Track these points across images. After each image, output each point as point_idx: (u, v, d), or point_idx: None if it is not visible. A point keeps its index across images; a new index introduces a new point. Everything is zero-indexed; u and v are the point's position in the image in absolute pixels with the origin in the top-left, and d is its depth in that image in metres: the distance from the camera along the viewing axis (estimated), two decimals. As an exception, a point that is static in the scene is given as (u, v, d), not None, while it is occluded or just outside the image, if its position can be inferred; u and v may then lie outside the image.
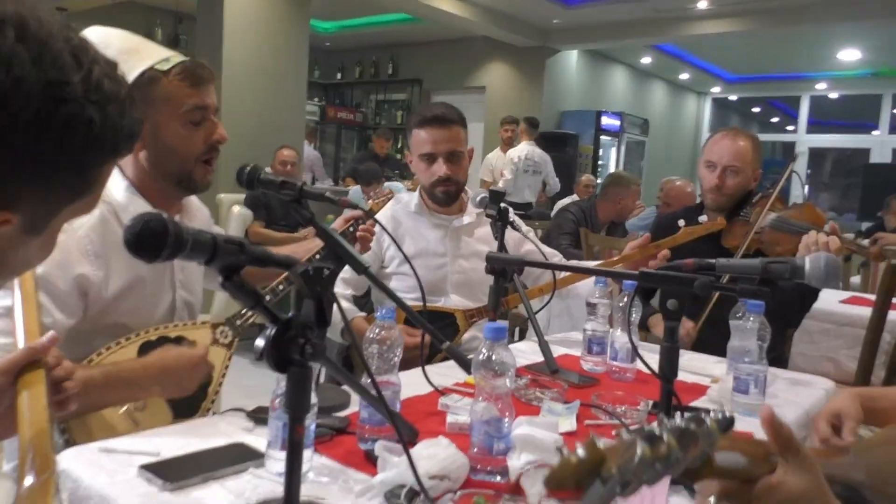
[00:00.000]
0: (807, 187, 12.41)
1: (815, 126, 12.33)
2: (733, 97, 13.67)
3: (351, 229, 1.80)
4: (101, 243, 1.36)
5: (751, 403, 1.52)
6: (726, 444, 0.64)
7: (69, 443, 1.26)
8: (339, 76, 10.84)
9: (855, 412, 1.29)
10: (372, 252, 2.14)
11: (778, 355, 2.33)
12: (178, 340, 1.46)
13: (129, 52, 1.41)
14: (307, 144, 7.55)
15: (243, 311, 1.55)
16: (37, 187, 0.64)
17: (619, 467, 0.46)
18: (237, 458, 1.13)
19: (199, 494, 1.02)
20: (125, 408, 1.33)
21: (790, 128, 13.09)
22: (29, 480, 0.80)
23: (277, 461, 1.08)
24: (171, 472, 1.06)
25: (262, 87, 6.05)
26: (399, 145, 9.24)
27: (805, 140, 12.23)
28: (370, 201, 1.97)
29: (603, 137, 9.57)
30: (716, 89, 13.06)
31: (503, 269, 1.69)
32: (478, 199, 1.89)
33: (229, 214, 4.21)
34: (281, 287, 1.55)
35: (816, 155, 12.91)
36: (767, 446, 0.68)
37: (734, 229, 2.29)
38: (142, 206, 1.44)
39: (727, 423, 0.54)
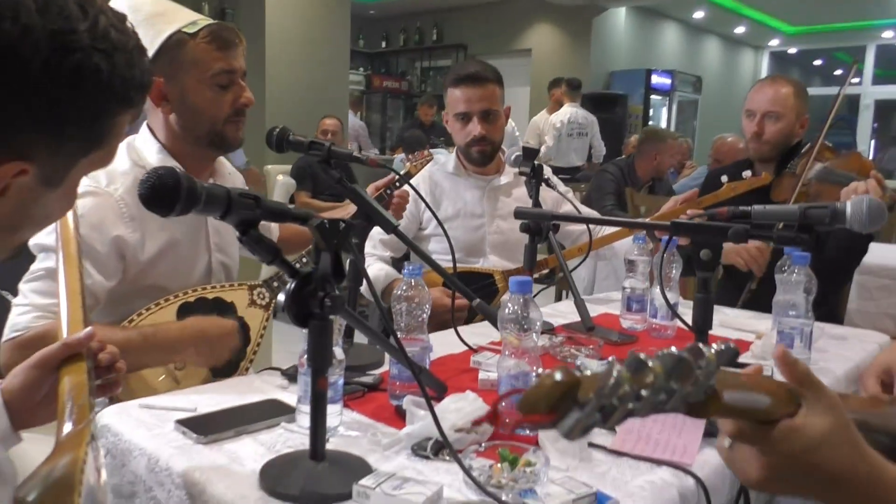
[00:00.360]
0: (872, 142, 11.85)
1: (882, 78, 11.72)
2: (793, 50, 13.09)
3: (386, 194, 1.80)
4: (136, 206, 1.38)
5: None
6: (747, 383, 0.62)
7: (112, 400, 1.30)
8: (383, 44, 10.79)
9: None
10: (409, 213, 2.14)
11: (830, 310, 2.25)
12: (217, 301, 1.49)
13: (158, 15, 1.42)
14: (352, 114, 7.56)
15: (279, 274, 1.57)
16: (50, 137, 0.65)
17: (597, 391, 0.44)
18: (269, 413, 1.15)
19: (231, 447, 1.05)
20: (165, 369, 1.37)
21: (855, 80, 12.47)
22: (67, 427, 0.83)
23: (307, 415, 1.09)
24: (205, 426, 1.09)
25: (305, 58, 6.07)
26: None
27: (871, 92, 11.64)
28: (408, 164, 1.97)
29: (653, 97, 9.31)
30: (774, 42, 12.53)
31: (538, 228, 1.67)
32: (512, 157, 1.86)
33: (275, 185, 4.27)
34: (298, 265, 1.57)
35: (883, 108, 12.28)
36: (791, 386, 0.66)
37: (783, 182, 2.20)
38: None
39: (728, 355, 0.51)
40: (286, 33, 5.95)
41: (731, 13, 10.34)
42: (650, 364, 0.46)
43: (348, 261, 1.45)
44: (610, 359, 0.47)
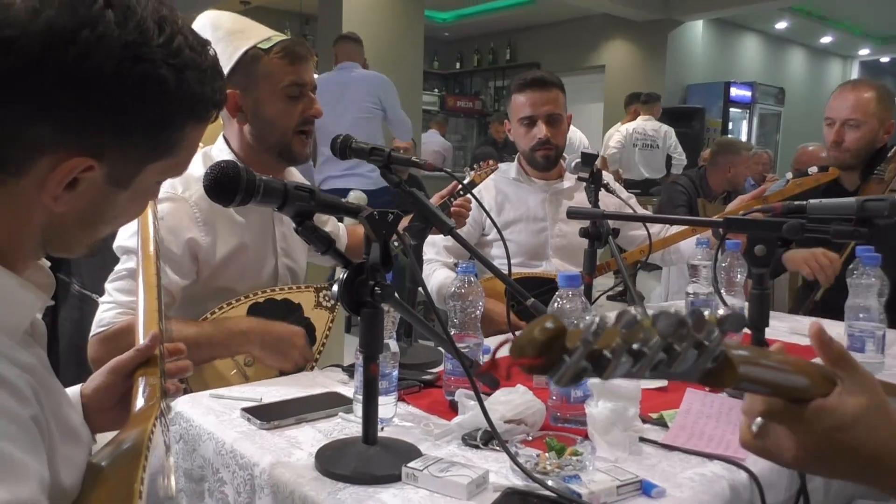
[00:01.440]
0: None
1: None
2: (885, 59, 12.49)
3: (449, 202, 1.85)
4: (209, 211, 1.48)
5: (867, 362, 1.42)
6: (778, 361, 0.62)
7: (186, 391, 1.39)
8: (458, 65, 10.95)
9: None
10: (472, 220, 2.18)
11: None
12: (285, 302, 1.57)
13: (236, 32, 1.53)
14: (438, 134, 7.70)
15: None
16: (118, 140, 0.71)
17: (581, 338, 0.46)
18: (329, 403, 1.20)
19: (291, 433, 1.10)
20: (235, 361, 1.45)
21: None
22: (139, 404, 0.89)
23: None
24: (268, 414, 1.15)
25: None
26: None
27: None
28: (472, 173, 2.01)
29: (732, 110, 9.06)
30: (864, 51, 12.00)
31: (597, 232, 1.68)
32: (572, 164, 1.88)
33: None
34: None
35: None
36: (825, 369, 0.65)
37: (869, 188, 2.13)
38: None
39: (734, 320, 0.51)
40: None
41: (816, 22, 9.99)
42: (638, 317, 0.47)
43: (408, 265, 1.50)
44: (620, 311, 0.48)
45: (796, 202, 1.12)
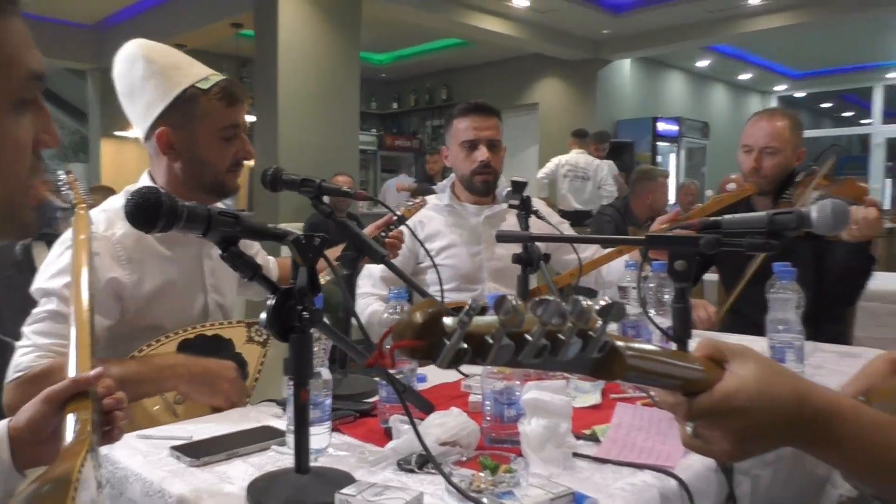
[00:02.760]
0: (887, 181, 11.81)
1: (891, 116, 11.76)
2: (800, 94, 13.21)
3: (382, 235, 1.86)
4: (134, 249, 1.45)
5: (789, 373, 1.48)
6: (667, 355, 0.63)
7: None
8: (395, 105, 11.08)
9: (882, 372, 1.24)
10: (407, 250, 2.19)
11: (838, 334, 2.24)
12: (215, 338, 1.53)
13: (173, 67, 1.52)
14: (406, 176, 7.75)
15: None
16: None
17: (459, 320, 0.47)
18: (261, 437, 1.18)
19: (222, 469, 1.07)
20: (163, 399, 1.41)
21: (865, 121, 12.52)
22: (69, 438, 0.85)
23: (296, 436, 1.12)
24: (198, 450, 1.12)
25: (317, 120, 6.26)
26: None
27: (881, 131, 11.67)
28: (402, 208, 2.03)
29: (660, 143, 9.41)
30: (781, 87, 12.67)
31: (529, 258, 1.71)
32: (504, 192, 1.92)
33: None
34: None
35: (895, 145, 12.29)
36: (706, 359, 0.66)
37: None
38: None
39: (615, 309, 0.53)
40: (298, 96, 6.16)
41: (736, 60, 10.52)
42: (515, 304, 0.49)
43: (340, 293, 1.50)
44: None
45: (712, 218, 1.17)
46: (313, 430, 1.02)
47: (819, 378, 1.52)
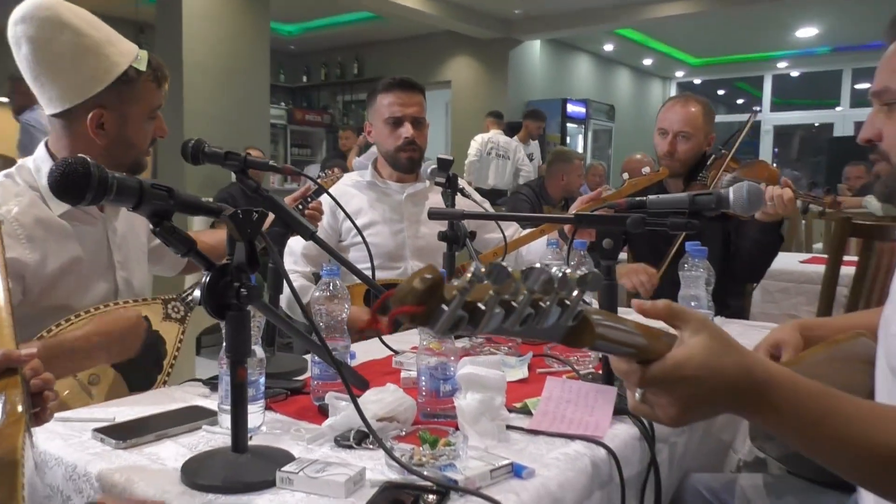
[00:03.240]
0: (774, 165, 12.62)
1: (778, 105, 12.52)
2: (697, 80, 13.82)
3: (300, 207, 1.82)
4: (32, 227, 1.37)
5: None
6: (617, 321, 0.66)
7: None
8: (304, 79, 10.81)
9: (794, 341, 1.34)
10: (328, 226, 2.17)
11: (738, 310, 2.39)
12: None
13: (107, 43, 1.44)
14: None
15: (193, 287, 1.58)
16: None
17: (459, 288, 0.48)
18: (191, 417, 1.15)
19: (151, 450, 1.04)
20: (77, 381, 1.35)
21: (756, 108, 13.27)
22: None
23: (229, 415, 1.10)
24: (124, 432, 1.08)
25: (224, 92, 6.04)
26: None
27: (770, 119, 12.40)
28: (320, 180, 2.00)
29: (570, 125, 9.64)
30: (679, 73, 13.20)
31: (455, 236, 1.73)
32: (428, 170, 1.92)
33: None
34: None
35: (783, 134, 13.10)
36: (656, 329, 0.70)
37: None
38: None
39: (593, 279, 0.56)
40: (204, 68, 5.91)
41: (639, 46, 10.87)
42: (510, 270, 0.50)
43: (269, 267, 1.47)
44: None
45: (638, 198, 1.22)
46: (248, 408, 1.00)
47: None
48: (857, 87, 11.47)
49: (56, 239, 1.42)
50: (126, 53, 1.44)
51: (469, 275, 0.48)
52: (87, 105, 1.40)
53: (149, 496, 0.90)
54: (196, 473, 0.92)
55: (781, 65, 11.98)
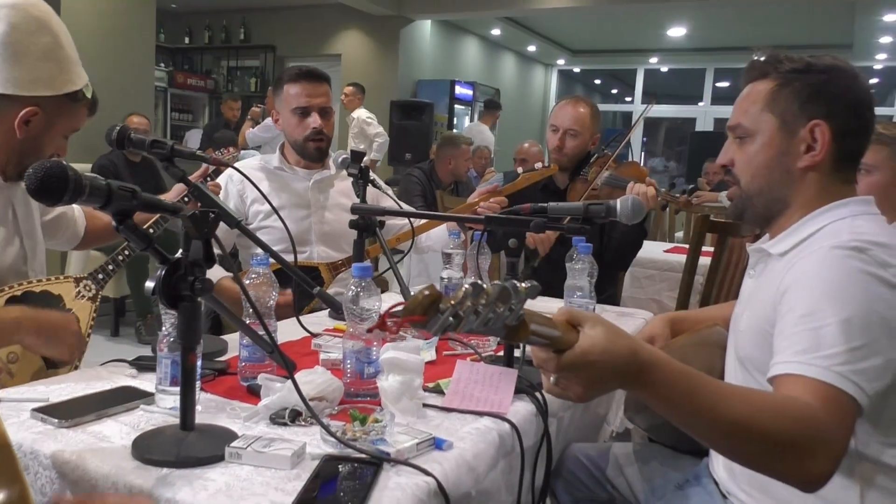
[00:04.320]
0: (643, 153, 13.50)
1: (649, 97, 13.35)
2: (577, 69, 14.46)
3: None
4: None
5: (582, 332, 1.78)
6: (541, 320, 0.83)
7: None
8: (186, 40, 10.36)
9: (664, 333, 1.58)
10: (235, 209, 2.21)
11: (611, 296, 2.66)
12: (44, 294, 1.51)
13: (74, 62, 1.53)
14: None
15: (105, 266, 1.63)
16: None
17: (452, 302, 0.64)
18: (127, 397, 1.22)
19: (95, 429, 1.11)
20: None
21: (628, 98, 14.09)
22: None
23: (169, 396, 1.18)
24: (63, 412, 1.13)
25: (104, 50, 5.74)
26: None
27: (640, 110, 13.20)
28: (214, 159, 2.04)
29: (457, 106, 9.85)
30: (561, 61, 13.75)
31: (368, 224, 1.84)
32: (339, 160, 2.02)
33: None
34: (121, 257, 1.67)
35: (651, 125, 14.02)
36: (566, 323, 0.88)
37: (576, 186, 2.59)
38: None
39: (535, 290, 0.73)
40: (82, 24, 5.59)
41: (524, 32, 11.23)
42: (485, 287, 0.66)
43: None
44: (466, 283, 0.67)
45: (541, 204, 1.40)
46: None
47: (604, 335, 1.85)
48: (718, 85, 12.45)
49: None
50: (82, 77, 1.53)
51: (461, 292, 0.64)
52: (28, 101, 1.43)
53: (104, 471, 0.98)
54: (148, 450, 1.01)
55: (653, 59, 12.76)
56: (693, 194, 5.44)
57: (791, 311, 1.03)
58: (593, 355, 0.84)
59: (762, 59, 1.23)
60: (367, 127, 6.82)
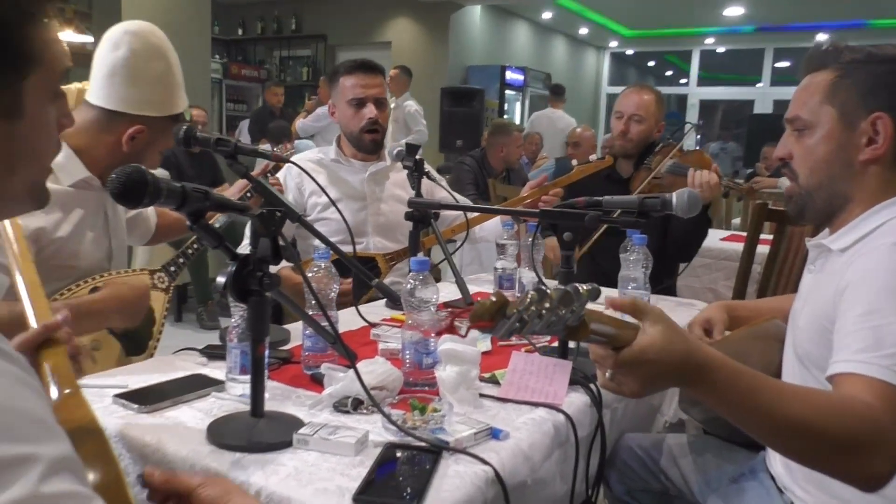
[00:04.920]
0: (699, 136, 13.20)
1: (704, 79, 13.03)
2: (630, 52, 14.20)
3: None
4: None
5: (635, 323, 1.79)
6: (600, 317, 0.85)
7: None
8: (240, 32, 10.56)
9: (721, 319, 1.58)
10: (294, 202, 2.28)
11: (668, 287, 2.65)
12: None
13: (179, 86, 1.67)
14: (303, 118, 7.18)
15: (176, 259, 1.71)
16: None
17: (518, 308, 0.67)
18: (199, 385, 1.29)
19: (171, 414, 1.18)
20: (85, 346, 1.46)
21: (683, 81, 13.78)
22: (53, 392, 0.91)
23: (238, 384, 1.25)
24: (143, 398, 1.21)
25: (164, 45, 5.90)
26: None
27: (696, 93, 12.90)
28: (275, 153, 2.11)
29: (508, 92, 9.80)
30: (613, 44, 13.53)
31: (424, 216, 1.88)
32: (394, 152, 2.06)
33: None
34: (190, 251, 1.76)
35: (707, 107, 13.67)
36: (625, 322, 0.90)
37: (640, 175, 2.58)
38: (78, 167, 1.56)
39: (595, 292, 0.76)
40: (144, 18, 5.76)
41: (576, 15, 11.08)
42: (549, 292, 0.69)
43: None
44: (531, 289, 0.70)
45: (595, 198, 1.41)
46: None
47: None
48: (778, 65, 12.07)
49: (67, 202, 1.55)
50: (184, 101, 1.67)
51: (527, 299, 0.67)
52: (136, 119, 1.56)
53: (182, 455, 1.04)
54: (222, 435, 1.07)
55: (709, 41, 12.44)
56: (752, 180, 5.32)
57: (851, 309, 1.02)
58: (651, 354, 0.86)
59: (822, 49, 1.21)
60: (411, 119, 6.62)
